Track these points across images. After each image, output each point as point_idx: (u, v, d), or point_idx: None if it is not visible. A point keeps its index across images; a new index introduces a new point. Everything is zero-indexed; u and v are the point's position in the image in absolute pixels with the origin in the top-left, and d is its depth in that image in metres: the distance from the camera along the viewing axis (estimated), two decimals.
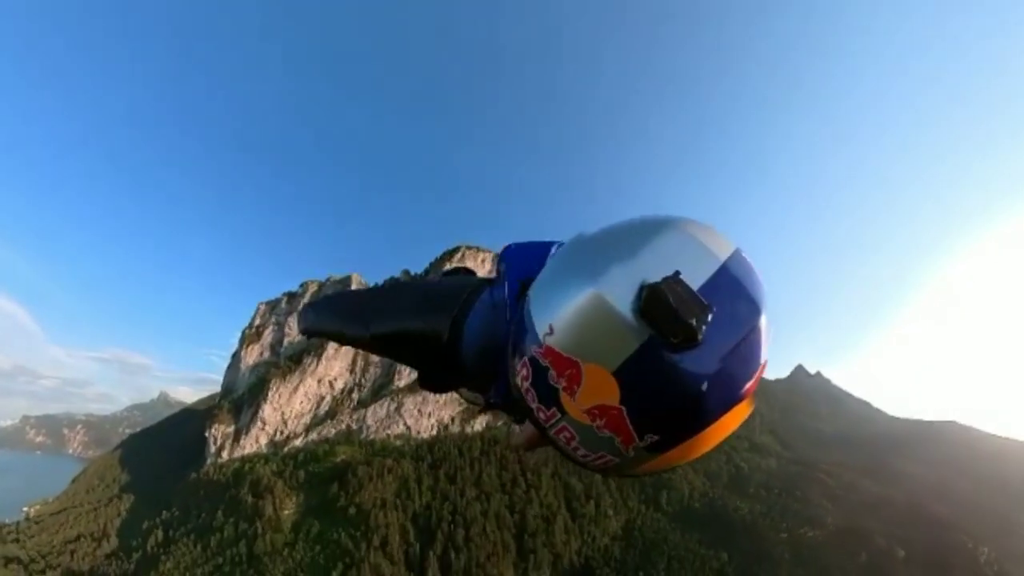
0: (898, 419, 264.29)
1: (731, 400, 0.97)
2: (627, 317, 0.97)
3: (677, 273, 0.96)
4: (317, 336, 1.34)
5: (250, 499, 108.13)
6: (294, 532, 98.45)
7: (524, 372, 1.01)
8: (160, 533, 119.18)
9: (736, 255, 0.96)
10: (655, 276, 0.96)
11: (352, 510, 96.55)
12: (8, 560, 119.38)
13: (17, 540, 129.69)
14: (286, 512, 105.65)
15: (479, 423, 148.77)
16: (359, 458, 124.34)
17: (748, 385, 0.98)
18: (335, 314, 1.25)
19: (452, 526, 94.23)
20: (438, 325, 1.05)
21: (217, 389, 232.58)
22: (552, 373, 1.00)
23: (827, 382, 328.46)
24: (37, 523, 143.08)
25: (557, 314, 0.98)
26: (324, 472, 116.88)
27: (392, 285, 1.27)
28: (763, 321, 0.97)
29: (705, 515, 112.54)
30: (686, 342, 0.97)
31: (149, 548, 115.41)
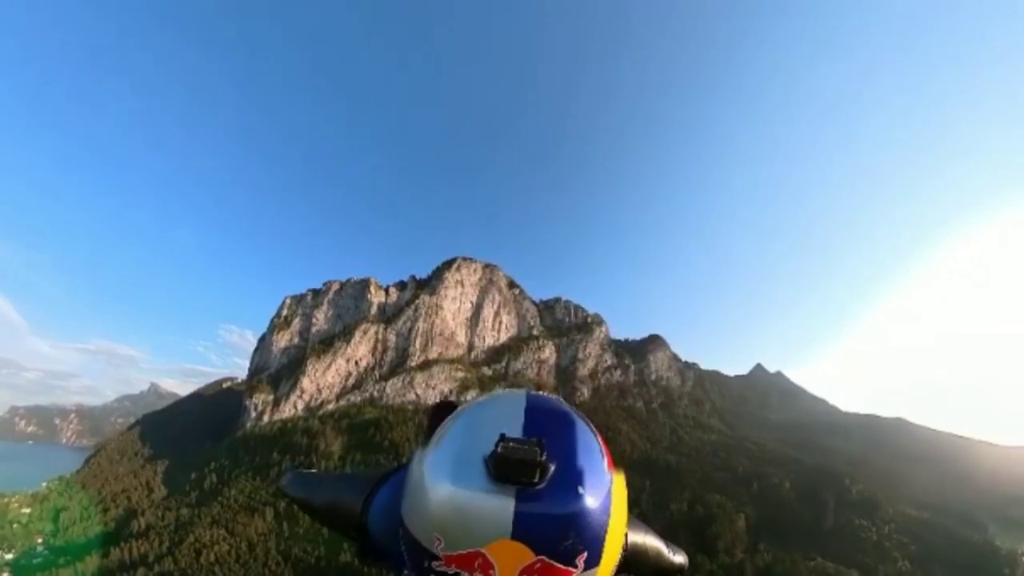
0: (847, 413, 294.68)
1: (605, 482, 1.18)
2: (491, 489, 1.17)
3: (503, 435, 1.18)
4: (290, 499, 1.47)
5: (304, 440, 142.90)
6: (341, 461, 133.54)
7: None
8: (214, 477, 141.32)
9: (529, 394, 1.18)
10: (489, 446, 1.17)
11: (386, 443, 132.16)
12: (59, 511, 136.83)
13: (61, 495, 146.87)
14: (334, 448, 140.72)
15: (471, 394, 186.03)
16: (383, 416, 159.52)
17: (606, 463, 1.19)
18: (301, 486, 1.35)
19: None
20: (354, 501, 1.13)
21: (207, 381, 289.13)
22: (464, 575, 1.12)
23: (785, 379, 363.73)
24: (79, 482, 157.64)
25: (435, 523, 1.14)
26: (362, 422, 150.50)
27: (340, 473, 1.36)
28: (580, 421, 1.19)
29: (640, 462, 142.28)
30: (543, 475, 1.17)
31: (206, 487, 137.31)
